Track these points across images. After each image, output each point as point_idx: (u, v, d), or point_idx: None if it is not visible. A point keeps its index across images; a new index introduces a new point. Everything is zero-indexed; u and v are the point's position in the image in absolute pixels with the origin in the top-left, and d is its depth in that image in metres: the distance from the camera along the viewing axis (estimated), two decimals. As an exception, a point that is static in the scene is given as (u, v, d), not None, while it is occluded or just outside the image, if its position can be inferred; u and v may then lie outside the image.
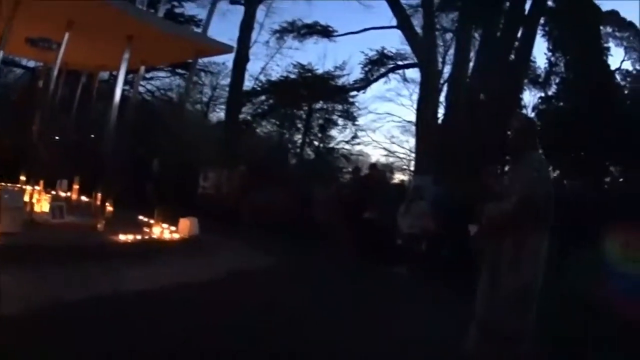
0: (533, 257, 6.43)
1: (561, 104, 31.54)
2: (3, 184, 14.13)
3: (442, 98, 31.78)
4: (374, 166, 21.90)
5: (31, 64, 29.50)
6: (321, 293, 10.67)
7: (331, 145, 40.65)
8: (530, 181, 6.35)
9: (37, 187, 12.58)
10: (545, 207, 6.40)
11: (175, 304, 8.36)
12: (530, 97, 35.00)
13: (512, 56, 26.50)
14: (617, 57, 34.51)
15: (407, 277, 14.12)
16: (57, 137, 16.09)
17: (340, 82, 39.05)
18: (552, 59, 32.31)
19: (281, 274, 12.42)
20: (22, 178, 12.38)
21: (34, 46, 14.01)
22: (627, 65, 34.70)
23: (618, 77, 32.73)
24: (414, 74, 36.86)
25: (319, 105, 40.04)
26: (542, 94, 33.65)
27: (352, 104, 40.04)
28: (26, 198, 11.58)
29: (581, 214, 12.87)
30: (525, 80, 31.15)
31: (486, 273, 6.68)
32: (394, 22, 32.60)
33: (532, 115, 32.16)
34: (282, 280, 11.73)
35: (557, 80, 32.52)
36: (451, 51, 33.55)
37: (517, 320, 6.38)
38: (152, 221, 13.29)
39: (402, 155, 43.34)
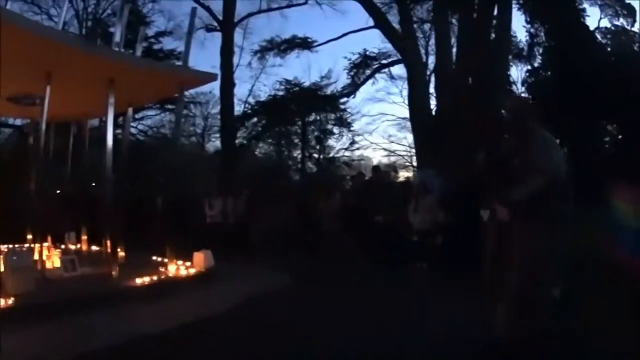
0: (556, 229, 6.53)
1: (548, 73, 31.57)
2: (10, 245, 14.08)
3: (432, 89, 31.88)
4: (376, 168, 21.81)
5: (18, 121, 29.75)
6: (348, 302, 10.65)
7: (331, 155, 40.82)
8: (551, 158, 6.48)
9: (45, 244, 12.43)
10: (567, 182, 6.58)
11: (208, 335, 8.33)
12: (517, 72, 35.17)
13: (492, 35, 26.40)
14: (593, 17, 34.87)
15: (428, 272, 14.14)
16: (57, 191, 16.04)
17: (329, 91, 39.39)
18: (532, 30, 32.31)
19: (305, 290, 12.35)
20: (29, 237, 12.28)
21: (17, 103, 13.99)
22: (605, 23, 34.65)
23: (599, 35, 32.73)
24: (399, 70, 37.22)
25: (311, 117, 39.98)
26: (529, 67, 33.81)
27: (344, 110, 40.37)
28: (35, 256, 11.50)
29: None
30: (510, 56, 31.02)
31: (509, 249, 6.66)
32: (371, 23, 32.74)
33: (522, 89, 32.37)
34: (308, 295, 11.68)
35: (540, 51, 32.61)
36: (432, 41, 33.79)
37: (539, 287, 6.52)
38: (165, 260, 13.11)
39: (402, 153, 43.81)
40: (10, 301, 8.80)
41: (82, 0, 36.15)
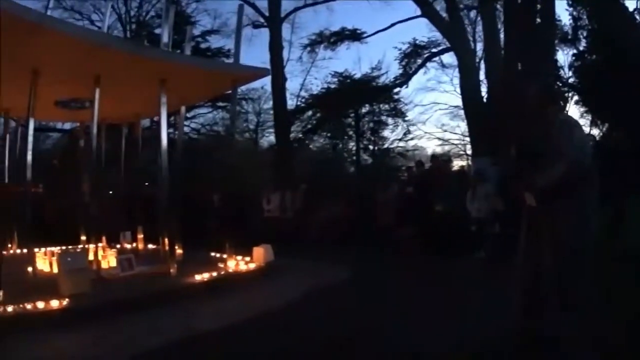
0: (587, 216, 6.48)
1: (594, 56, 31.09)
2: (63, 247, 14.12)
3: (482, 76, 31.53)
4: (435, 157, 21.68)
5: (66, 125, 30.04)
6: (407, 294, 10.56)
7: (385, 146, 40.47)
8: (575, 143, 6.38)
9: (100, 244, 12.46)
10: (592, 167, 6.49)
11: (270, 330, 8.24)
12: (564, 57, 34.59)
13: (538, 19, 25.99)
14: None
15: (486, 261, 14.00)
16: (110, 192, 16.08)
17: (380, 81, 39.01)
18: (575, 13, 31.95)
19: (365, 283, 12.19)
20: (82, 238, 12.28)
21: (66, 108, 14.07)
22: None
23: (638, 17, 32.18)
24: (449, 58, 37.00)
25: (365, 109, 39.79)
26: (575, 51, 33.36)
27: (398, 100, 39.97)
28: (90, 257, 11.49)
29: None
30: (556, 41, 30.52)
31: (543, 238, 6.62)
32: (418, 12, 32.55)
33: (570, 73, 31.91)
34: (368, 288, 11.56)
35: (584, 34, 32.16)
36: (479, 27, 33.49)
37: (575, 279, 6.36)
38: (224, 256, 13.07)
39: (456, 142, 43.47)
40: (65, 302, 8.76)
41: (124, 4, 36.69)
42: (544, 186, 6.49)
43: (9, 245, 14.66)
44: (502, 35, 28.30)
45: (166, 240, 12.54)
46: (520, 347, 6.49)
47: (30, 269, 11.22)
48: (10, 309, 8.26)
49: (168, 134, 14.33)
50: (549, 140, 6.47)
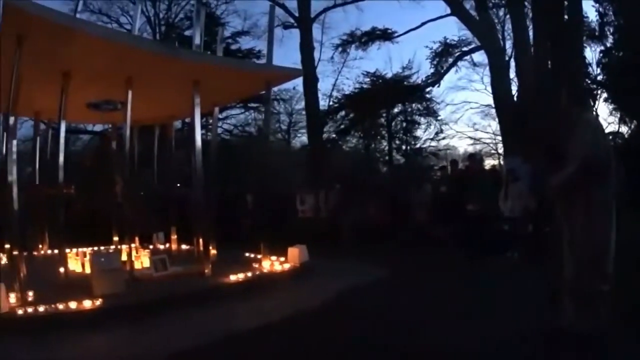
0: (603, 216, 6.51)
1: (621, 53, 30.77)
2: (95, 248, 14.30)
3: (512, 74, 31.28)
4: (472, 156, 21.53)
5: (97, 127, 30.18)
6: (441, 294, 10.46)
7: (418, 145, 40.29)
8: (588, 144, 6.36)
9: (133, 245, 12.39)
10: (607, 167, 6.46)
11: (306, 330, 8.20)
12: (591, 54, 34.21)
13: (565, 16, 25.68)
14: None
15: (518, 261, 13.89)
16: (141, 193, 16.07)
17: (412, 81, 38.89)
18: (601, 9, 31.77)
19: (399, 282, 12.07)
20: (115, 239, 12.25)
21: (97, 110, 14.06)
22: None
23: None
24: (480, 57, 36.80)
25: (397, 109, 39.63)
26: (602, 47, 33.06)
27: (430, 100, 39.77)
28: (123, 257, 11.43)
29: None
30: (584, 37, 30.17)
31: (564, 238, 6.74)
32: (448, 11, 32.38)
33: (598, 70, 31.62)
34: (402, 288, 11.45)
35: (611, 31, 32.01)
36: (508, 25, 33.29)
37: (595, 280, 6.41)
38: (259, 256, 13.03)
39: (487, 141, 43.21)
40: (98, 302, 8.75)
41: (153, 7, 36.78)
42: (555, 186, 6.63)
43: (40, 246, 14.77)
44: (530, 33, 28.09)
45: (200, 240, 12.54)
46: (553, 346, 6.48)
47: (62, 269, 11.14)
48: (41, 309, 8.23)
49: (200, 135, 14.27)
50: (569, 140, 6.41)
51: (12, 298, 8.54)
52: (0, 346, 7.21)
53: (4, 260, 11.81)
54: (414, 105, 39.97)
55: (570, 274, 6.56)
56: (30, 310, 8.18)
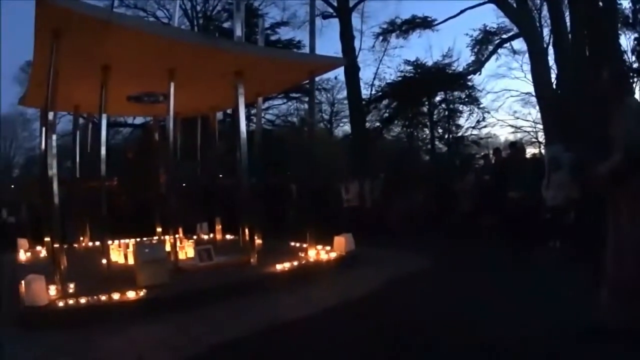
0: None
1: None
2: (138, 239, 14.31)
3: (551, 62, 30.92)
4: (513, 145, 21.31)
5: (137, 120, 30.33)
6: (484, 283, 10.41)
7: (460, 134, 39.97)
8: (631, 131, 6.02)
9: (177, 235, 12.29)
10: None
11: (353, 319, 8.09)
12: (625, 41, 33.71)
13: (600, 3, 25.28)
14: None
15: (561, 251, 13.69)
16: (183, 184, 16.03)
17: (453, 69, 38.73)
18: (635, -4, 30.92)
19: (444, 272, 12.01)
20: (158, 230, 12.17)
21: (139, 102, 14.15)
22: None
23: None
24: (519, 44, 36.54)
25: (439, 97, 39.40)
26: (636, 35, 32.48)
27: (472, 87, 39.43)
28: (167, 248, 11.37)
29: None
30: (618, 25, 29.71)
31: (610, 230, 6.36)
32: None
33: (633, 58, 31.11)
34: (447, 277, 11.39)
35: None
36: (544, 13, 33.25)
37: (638, 274, 6.03)
38: (304, 245, 12.89)
39: (528, 129, 42.98)
40: (142, 293, 8.69)
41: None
42: (599, 176, 6.34)
43: (81, 239, 14.83)
44: (567, 20, 27.75)
45: (246, 230, 12.50)
46: (591, 340, 6.21)
47: (104, 261, 11.10)
48: (83, 300, 8.14)
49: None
50: (612, 126, 6.13)
51: (52, 290, 8.42)
52: (41, 338, 7.14)
53: (44, 253, 11.68)
54: (455, 93, 39.64)
55: (613, 267, 6.28)
56: (71, 302, 8.07)
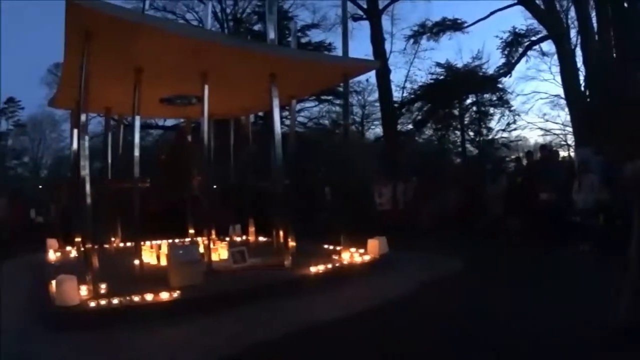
0: None
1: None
2: (169, 240, 14.41)
3: (579, 64, 30.73)
4: (543, 147, 21.26)
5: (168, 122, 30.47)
6: (519, 284, 10.56)
7: (490, 137, 39.81)
8: None
9: (210, 237, 12.26)
10: None
11: (387, 322, 8.04)
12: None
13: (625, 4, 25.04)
14: None
15: (590, 254, 13.64)
16: (214, 186, 16.03)
17: (483, 71, 38.68)
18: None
19: (477, 274, 11.93)
20: (191, 231, 12.16)
21: (171, 104, 14.23)
22: None
23: None
24: (547, 46, 36.55)
25: (469, 99, 39.27)
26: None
27: (503, 90, 39.20)
28: (201, 249, 11.39)
29: None
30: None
31: (636, 232, 6.41)
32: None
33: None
34: (481, 280, 11.33)
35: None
36: (571, 14, 32.91)
37: None
38: (338, 248, 12.90)
39: (557, 131, 42.89)
40: (176, 294, 8.70)
41: (219, 2, 37.15)
42: (629, 179, 6.53)
43: (113, 240, 14.87)
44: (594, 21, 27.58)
45: (280, 232, 12.56)
46: (617, 342, 6.22)
47: (136, 262, 11.04)
48: (115, 301, 8.16)
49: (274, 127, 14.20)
50: None
51: (84, 290, 8.44)
52: (71, 339, 7.15)
53: (74, 253, 11.66)
54: (486, 95, 39.49)
55: (636, 270, 6.27)
56: (103, 302, 8.07)
